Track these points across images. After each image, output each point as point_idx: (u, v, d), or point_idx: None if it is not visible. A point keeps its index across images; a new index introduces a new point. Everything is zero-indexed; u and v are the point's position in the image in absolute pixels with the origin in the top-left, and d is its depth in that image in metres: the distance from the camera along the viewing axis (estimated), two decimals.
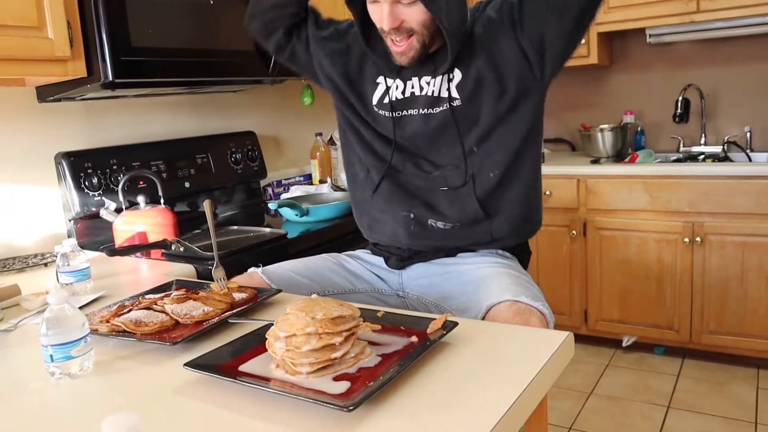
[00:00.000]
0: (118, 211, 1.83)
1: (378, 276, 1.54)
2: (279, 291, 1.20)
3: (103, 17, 1.62)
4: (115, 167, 1.97)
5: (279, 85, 2.60)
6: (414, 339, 0.92)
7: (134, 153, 2.04)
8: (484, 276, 1.36)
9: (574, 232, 3.00)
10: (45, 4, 1.56)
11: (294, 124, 2.83)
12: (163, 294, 1.15)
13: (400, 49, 1.33)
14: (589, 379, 2.78)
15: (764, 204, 2.57)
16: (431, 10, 1.24)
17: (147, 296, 1.16)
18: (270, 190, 2.57)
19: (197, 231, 1.99)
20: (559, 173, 2.99)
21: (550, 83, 1.39)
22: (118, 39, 1.65)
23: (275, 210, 2.03)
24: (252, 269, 1.47)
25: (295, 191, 2.40)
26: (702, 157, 3.09)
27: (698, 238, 2.72)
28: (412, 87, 1.43)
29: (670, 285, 2.83)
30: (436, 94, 1.40)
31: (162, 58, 1.76)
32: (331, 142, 2.87)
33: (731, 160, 3.00)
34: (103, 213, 1.82)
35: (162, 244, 1.62)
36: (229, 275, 1.42)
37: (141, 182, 2.01)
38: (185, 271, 1.53)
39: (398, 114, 1.45)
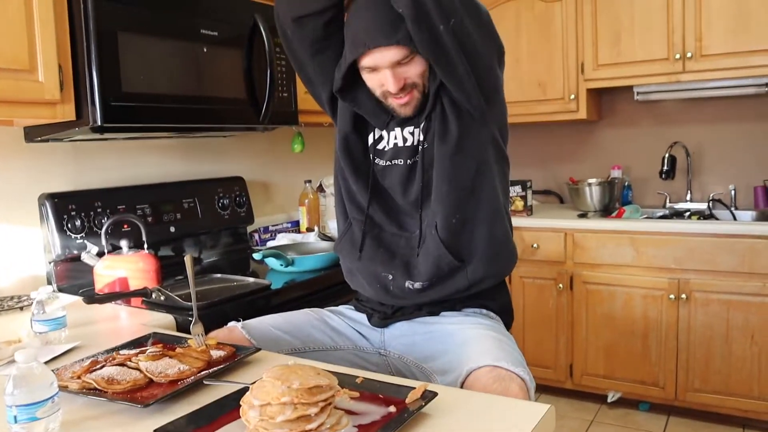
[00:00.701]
0: (100, 255, 1.80)
1: (360, 333, 1.52)
2: (258, 350, 1.18)
3: (95, 62, 1.63)
4: (99, 210, 1.95)
5: (270, 132, 2.61)
6: (392, 409, 0.90)
7: (120, 196, 2.03)
8: (465, 338, 1.34)
9: (560, 285, 2.99)
10: (38, 48, 1.57)
11: (283, 171, 2.84)
12: (138, 350, 1.12)
13: (403, 101, 1.35)
14: None
15: (749, 263, 2.58)
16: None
17: (122, 351, 1.13)
18: (257, 236, 2.55)
19: (180, 278, 1.97)
20: (546, 226, 3.00)
21: (489, 118, 1.39)
22: (109, 83, 1.65)
23: (260, 259, 2.01)
24: (232, 323, 1.44)
25: (282, 239, 2.39)
26: (687, 213, 3.12)
27: (684, 295, 2.72)
28: (395, 138, 1.44)
29: (655, 341, 2.81)
30: (414, 144, 1.41)
31: (152, 104, 1.76)
32: (320, 189, 2.88)
33: (716, 218, 3.02)
34: (84, 257, 1.80)
35: (142, 293, 1.59)
36: (210, 327, 1.40)
37: (125, 226, 1.99)
38: (164, 321, 1.51)
39: (383, 163, 1.45)
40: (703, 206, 3.15)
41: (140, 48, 1.72)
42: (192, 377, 1.05)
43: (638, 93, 3.16)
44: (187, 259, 1.18)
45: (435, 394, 0.92)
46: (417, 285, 1.42)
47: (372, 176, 1.46)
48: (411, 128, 1.42)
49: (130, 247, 1.81)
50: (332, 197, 2.84)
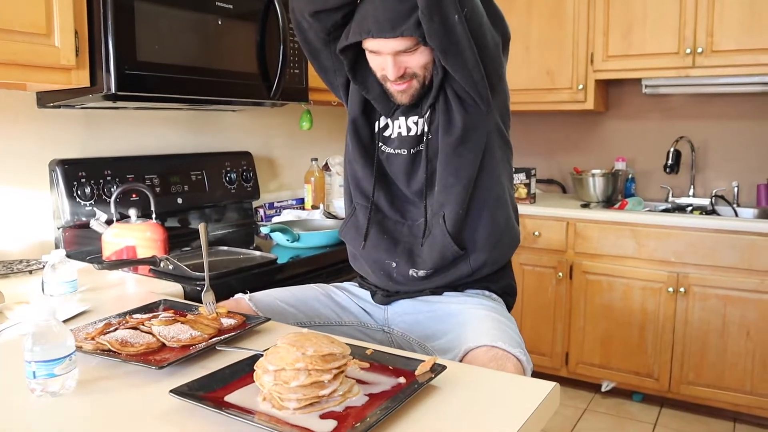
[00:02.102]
0: (109, 222, 1.82)
1: (364, 310, 1.54)
2: (267, 319, 1.19)
3: (111, 29, 1.63)
4: (109, 178, 1.96)
5: (279, 108, 2.62)
6: (402, 380, 0.92)
7: (129, 165, 2.04)
8: (466, 318, 1.36)
9: (560, 274, 3.01)
10: (55, 13, 1.57)
11: (290, 148, 2.84)
12: (150, 315, 1.14)
13: (401, 88, 1.35)
14: (567, 422, 2.77)
15: (748, 259, 2.61)
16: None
17: (134, 315, 1.15)
18: (262, 211, 2.57)
19: (187, 249, 1.98)
20: (549, 215, 3.02)
21: (493, 106, 1.38)
22: (124, 52, 1.66)
23: (267, 234, 2.03)
24: (239, 295, 1.46)
25: (287, 215, 2.40)
26: (690, 208, 3.13)
27: (682, 289, 2.74)
28: (399, 127, 1.45)
29: (652, 333, 2.84)
30: (418, 133, 1.42)
31: (166, 74, 1.76)
32: (326, 167, 2.89)
33: (718, 214, 3.04)
34: (93, 224, 1.81)
35: (151, 261, 1.61)
36: (217, 298, 1.41)
37: (134, 195, 2.00)
38: (173, 290, 1.52)
39: (388, 150, 1.46)
40: (705, 202, 3.17)
41: (156, 17, 1.72)
42: (204, 343, 1.06)
43: (646, 86, 3.17)
44: (201, 228, 1.20)
45: (444, 368, 0.94)
46: (421, 273, 1.43)
47: (377, 162, 1.47)
48: (415, 118, 1.43)
49: (138, 216, 1.82)
50: (338, 176, 2.86)
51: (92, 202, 1.91)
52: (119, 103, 1.94)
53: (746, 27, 2.73)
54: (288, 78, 2.14)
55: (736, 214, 3.02)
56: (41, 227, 1.91)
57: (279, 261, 1.82)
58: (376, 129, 1.49)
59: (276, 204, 2.63)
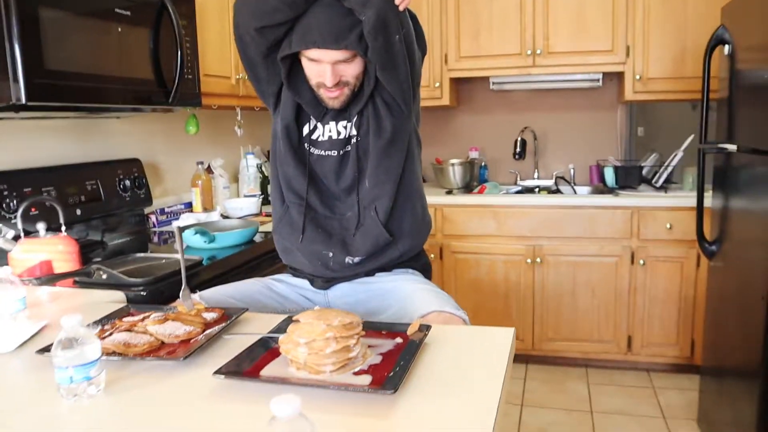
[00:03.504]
0: (16, 238, 1.75)
1: (305, 297, 1.67)
2: (246, 310, 1.29)
3: (17, 38, 1.57)
4: (5, 192, 1.87)
5: (162, 114, 2.60)
6: (399, 340, 1.09)
7: (24, 178, 1.95)
8: (406, 292, 1.56)
9: (432, 255, 3.31)
10: None
11: (175, 153, 2.82)
12: (141, 316, 1.19)
13: (334, 95, 1.50)
14: None
15: (588, 229, 3.09)
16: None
17: (124, 319, 1.19)
18: (154, 217, 2.54)
19: (98, 259, 1.95)
20: None
21: (412, 112, 1.59)
22: (32, 61, 1.61)
23: (186, 235, 2.06)
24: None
25: (188, 219, 2.42)
26: (537, 189, 3.60)
27: (538, 259, 3.17)
28: (330, 131, 1.60)
29: (515, 300, 3.25)
30: (347, 136, 1.58)
31: (74, 82, 1.73)
32: (209, 170, 2.91)
33: (561, 192, 3.53)
34: None
35: (86, 272, 1.59)
36: (154, 301, 1.47)
37: (33, 209, 1.92)
38: (116, 297, 1.53)
39: (317, 152, 1.60)
40: (548, 183, 3.66)
41: (61, 25, 1.69)
42: (201, 335, 1.14)
43: (494, 83, 3.57)
44: (176, 230, 1.26)
45: (429, 327, 1.12)
46: (356, 259, 1.60)
47: (308, 164, 1.61)
48: (344, 122, 1.58)
49: (47, 230, 1.77)
50: (221, 178, 2.90)
51: None
52: (5, 114, 1.85)
53: (575, 33, 3.21)
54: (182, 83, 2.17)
55: (575, 192, 3.53)
56: None
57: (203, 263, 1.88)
58: (305, 132, 1.62)
59: (167, 209, 2.62)
